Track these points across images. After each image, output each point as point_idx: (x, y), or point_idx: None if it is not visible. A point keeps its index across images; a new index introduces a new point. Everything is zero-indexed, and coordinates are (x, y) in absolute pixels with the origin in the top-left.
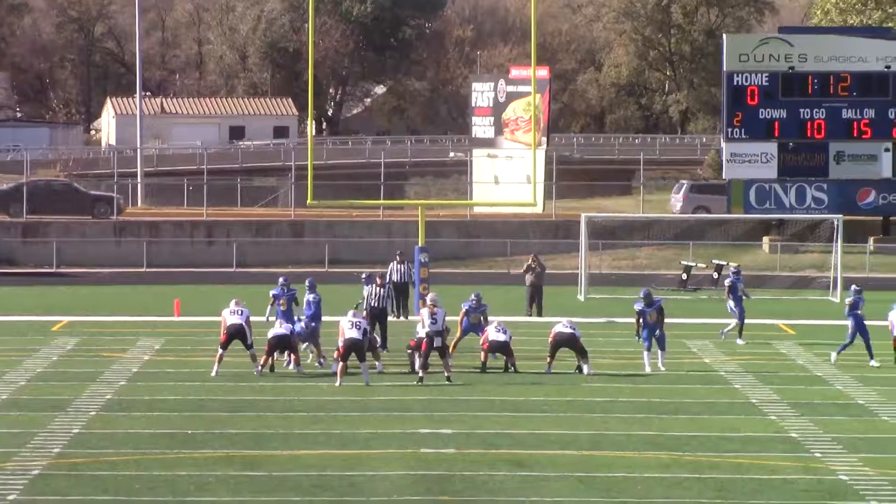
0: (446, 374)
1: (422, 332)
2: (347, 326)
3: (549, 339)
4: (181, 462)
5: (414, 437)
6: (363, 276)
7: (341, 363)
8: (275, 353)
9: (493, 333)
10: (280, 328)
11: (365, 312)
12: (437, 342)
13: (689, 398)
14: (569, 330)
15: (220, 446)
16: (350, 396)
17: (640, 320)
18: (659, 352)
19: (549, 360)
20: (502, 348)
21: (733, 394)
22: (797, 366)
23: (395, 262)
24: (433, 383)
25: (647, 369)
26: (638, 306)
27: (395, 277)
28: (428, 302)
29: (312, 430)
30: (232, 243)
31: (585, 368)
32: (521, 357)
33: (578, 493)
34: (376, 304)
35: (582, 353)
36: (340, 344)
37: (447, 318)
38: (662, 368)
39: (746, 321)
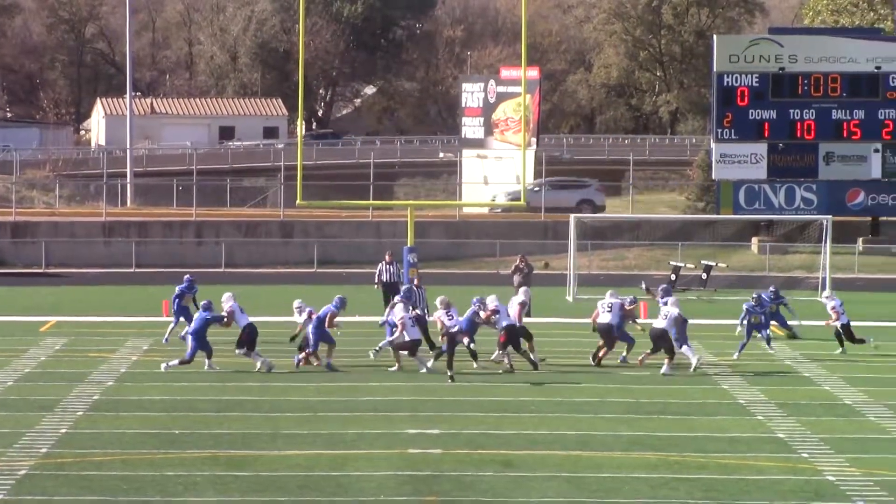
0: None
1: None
2: (409, 324)
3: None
4: (169, 462)
5: (401, 438)
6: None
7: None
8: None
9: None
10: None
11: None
12: (458, 339)
13: (677, 398)
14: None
15: (207, 446)
16: (337, 397)
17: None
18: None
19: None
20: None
21: (721, 394)
22: (785, 366)
23: (384, 262)
24: (420, 383)
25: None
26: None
27: (384, 278)
28: (439, 304)
29: (300, 430)
30: (221, 243)
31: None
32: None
33: (566, 494)
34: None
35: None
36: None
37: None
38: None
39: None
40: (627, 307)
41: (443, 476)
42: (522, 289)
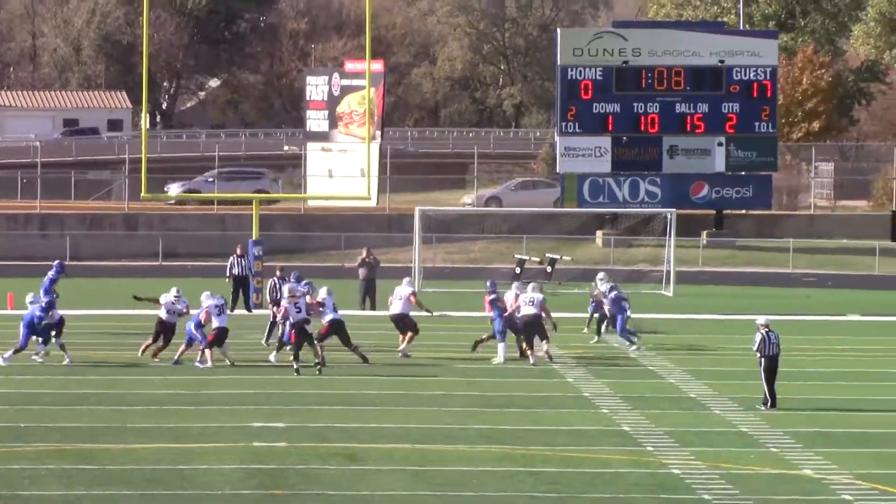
0: (316, 361)
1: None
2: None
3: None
4: (14, 456)
5: (247, 431)
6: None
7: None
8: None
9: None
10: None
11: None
12: (304, 330)
13: (522, 392)
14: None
15: (53, 440)
16: (183, 390)
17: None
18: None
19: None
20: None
21: (566, 387)
22: (629, 359)
23: (235, 255)
24: (266, 376)
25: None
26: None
27: (235, 271)
28: (286, 292)
29: (145, 423)
30: (66, 236)
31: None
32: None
33: (411, 487)
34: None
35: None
36: None
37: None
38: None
39: (581, 315)
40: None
41: (288, 469)
42: (406, 279)
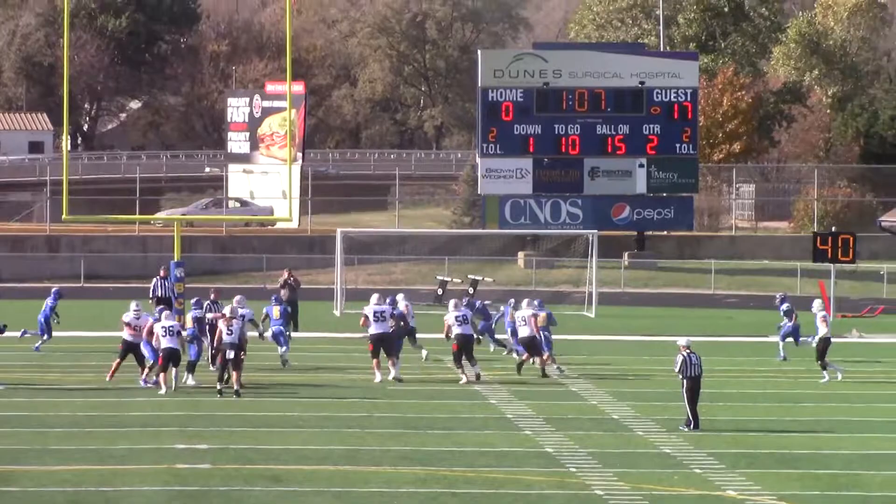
0: (235, 388)
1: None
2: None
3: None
4: None
5: (170, 453)
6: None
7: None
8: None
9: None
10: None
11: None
12: (230, 354)
13: (445, 413)
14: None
15: None
16: (105, 412)
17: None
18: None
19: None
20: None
21: (489, 409)
22: (552, 381)
23: (158, 277)
24: (186, 398)
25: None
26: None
27: (159, 293)
28: (227, 313)
29: (68, 445)
30: None
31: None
32: (273, 371)
33: None
34: None
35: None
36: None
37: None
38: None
39: (505, 336)
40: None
41: (212, 491)
42: (525, 300)
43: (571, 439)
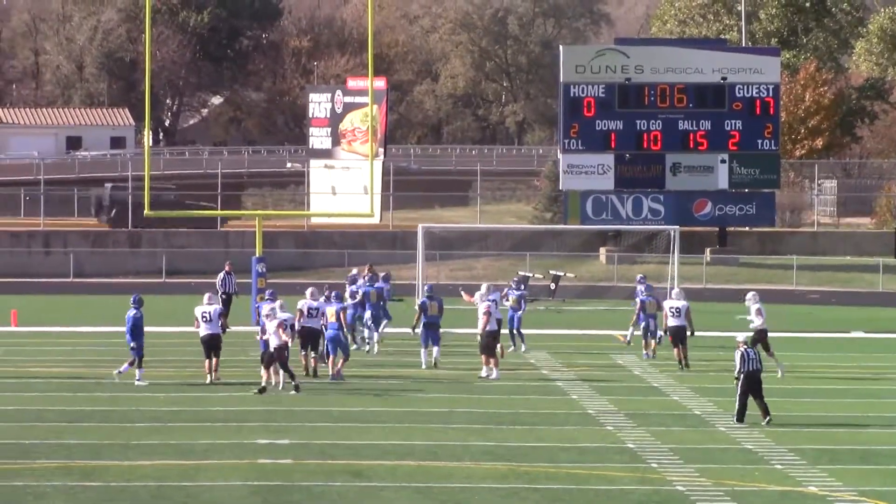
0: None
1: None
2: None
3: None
4: (19, 473)
5: (251, 448)
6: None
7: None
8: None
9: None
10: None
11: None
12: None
13: (527, 409)
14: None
15: (58, 457)
16: (187, 407)
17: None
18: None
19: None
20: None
21: (570, 404)
22: (634, 376)
23: (224, 272)
24: (269, 393)
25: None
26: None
27: (223, 288)
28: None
29: (150, 440)
30: (69, 253)
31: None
32: (359, 365)
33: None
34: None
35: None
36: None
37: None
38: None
39: (587, 332)
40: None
41: (293, 486)
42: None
43: (653, 435)
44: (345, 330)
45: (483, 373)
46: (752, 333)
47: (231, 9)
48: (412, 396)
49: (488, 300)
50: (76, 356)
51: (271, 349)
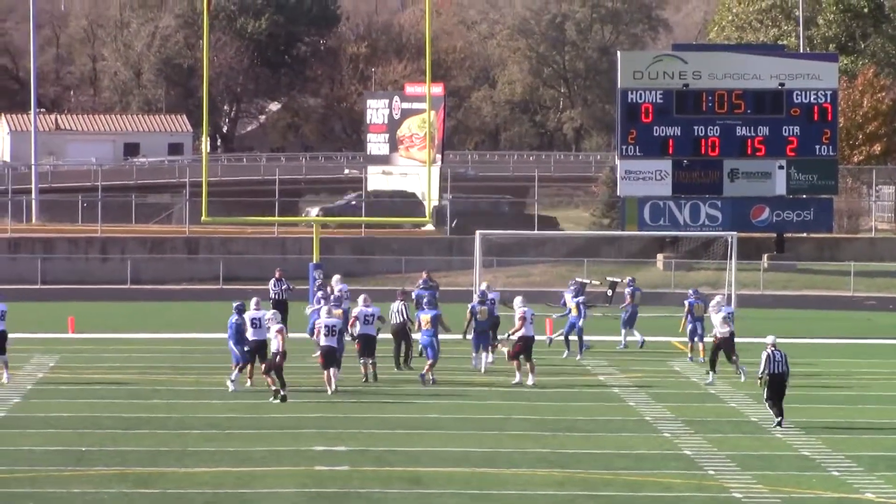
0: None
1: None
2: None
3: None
4: (75, 479)
5: (308, 455)
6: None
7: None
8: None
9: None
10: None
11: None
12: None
13: (583, 415)
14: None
15: (114, 463)
16: (244, 414)
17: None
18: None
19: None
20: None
21: (627, 411)
22: (691, 383)
23: (274, 278)
24: (325, 400)
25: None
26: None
27: (270, 295)
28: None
29: (206, 447)
30: (126, 260)
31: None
32: (417, 370)
33: None
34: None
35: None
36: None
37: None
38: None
39: (644, 338)
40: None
41: (350, 493)
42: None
43: (710, 442)
44: (438, 336)
45: (516, 379)
46: (771, 336)
47: (289, 15)
48: (468, 403)
49: (524, 309)
50: (133, 363)
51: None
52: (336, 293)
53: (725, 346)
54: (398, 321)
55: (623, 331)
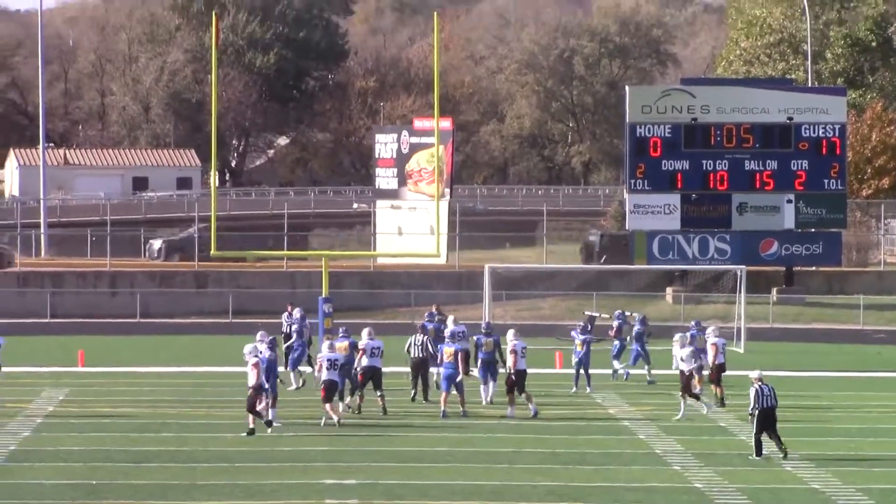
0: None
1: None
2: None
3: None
4: None
5: (318, 488)
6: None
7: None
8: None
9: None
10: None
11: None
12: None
13: (593, 448)
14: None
15: (124, 496)
16: (254, 447)
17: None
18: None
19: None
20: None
21: (637, 444)
22: (701, 416)
23: (286, 312)
24: (337, 433)
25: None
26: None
27: (283, 329)
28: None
29: (217, 480)
30: (136, 293)
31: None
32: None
33: None
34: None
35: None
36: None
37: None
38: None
39: (654, 371)
40: None
41: None
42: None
43: (720, 475)
44: (460, 369)
45: (508, 412)
46: (757, 371)
47: (297, 50)
48: (479, 436)
49: (515, 342)
50: (142, 396)
51: (249, 387)
52: (294, 320)
53: (688, 381)
54: (418, 355)
55: (614, 363)
